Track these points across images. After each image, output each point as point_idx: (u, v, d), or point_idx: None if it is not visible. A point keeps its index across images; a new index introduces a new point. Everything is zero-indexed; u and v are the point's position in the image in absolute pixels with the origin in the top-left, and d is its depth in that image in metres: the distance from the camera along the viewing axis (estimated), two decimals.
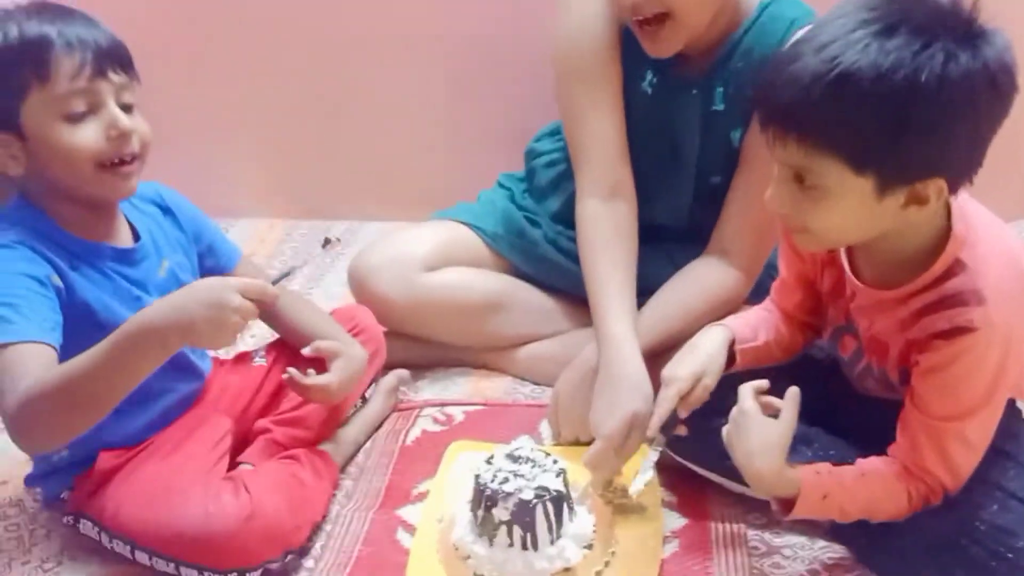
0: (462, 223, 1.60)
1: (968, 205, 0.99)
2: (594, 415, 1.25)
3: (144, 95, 1.16)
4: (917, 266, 0.98)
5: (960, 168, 0.93)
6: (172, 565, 1.11)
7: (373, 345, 1.38)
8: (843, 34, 0.89)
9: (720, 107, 1.37)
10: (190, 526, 1.08)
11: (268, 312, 1.33)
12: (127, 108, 1.12)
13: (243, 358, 1.38)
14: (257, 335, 1.64)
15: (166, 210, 1.26)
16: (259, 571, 1.11)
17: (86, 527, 1.19)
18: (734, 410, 1.04)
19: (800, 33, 1.00)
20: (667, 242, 1.47)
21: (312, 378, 1.22)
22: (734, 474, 1.14)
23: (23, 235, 1.08)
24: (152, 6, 1.98)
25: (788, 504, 1.02)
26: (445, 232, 1.59)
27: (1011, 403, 1.11)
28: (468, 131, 1.91)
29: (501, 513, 1.08)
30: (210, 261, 1.30)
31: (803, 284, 1.18)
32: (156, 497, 1.12)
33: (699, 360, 1.13)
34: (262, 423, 1.30)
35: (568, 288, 1.52)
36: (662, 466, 1.22)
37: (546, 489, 1.09)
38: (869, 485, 1.03)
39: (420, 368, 1.53)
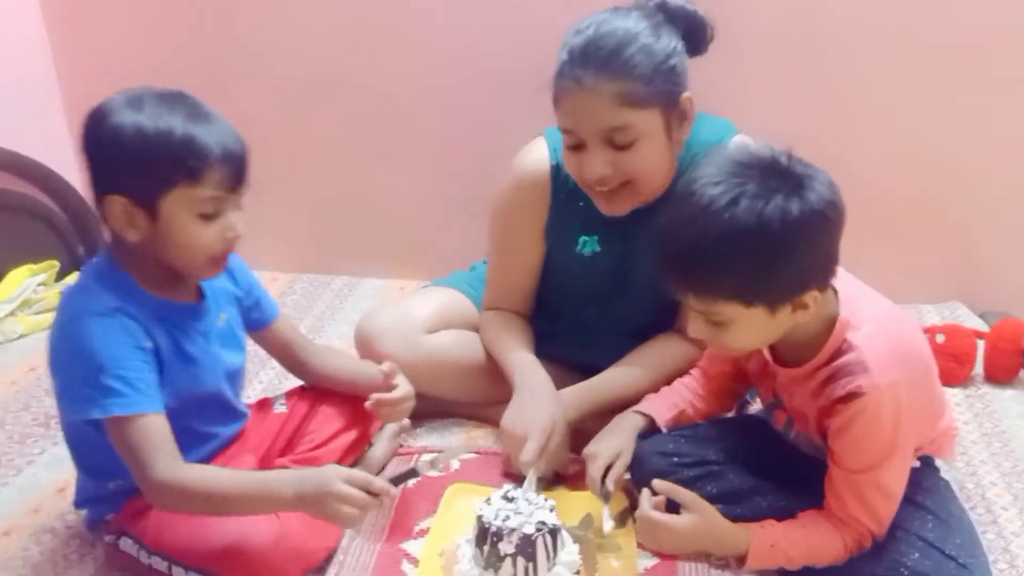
0: (456, 291, 1.79)
1: (855, 292, 1.24)
2: (518, 425, 1.47)
3: None
4: (816, 347, 1.21)
5: (822, 277, 1.18)
6: None
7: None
8: (701, 209, 1.13)
9: None
10: (226, 543, 1.22)
11: (297, 365, 1.52)
12: (238, 207, 1.25)
13: (264, 404, 1.53)
14: (264, 382, 1.80)
15: (227, 268, 1.39)
16: None
17: (126, 544, 1.31)
18: (638, 514, 1.29)
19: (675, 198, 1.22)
20: (655, 326, 1.64)
21: (392, 393, 1.44)
22: None
23: (118, 300, 1.21)
24: (155, 57, 2.16)
25: (742, 556, 1.24)
26: (443, 298, 1.77)
27: (928, 459, 1.32)
28: (465, 202, 2.09)
29: (506, 547, 1.24)
30: (255, 314, 1.45)
31: (731, 361, 1.42)
32: (194, 517, 1.25)
33: (617, 441, 1.40)
34: (281, 461, 1.45)
35: (548, 353, 1.68)
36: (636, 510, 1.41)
37: (544, 523, 1.26)
38: (809, 535, 1.23)
39: (419, 419, 1.68)
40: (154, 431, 1.19)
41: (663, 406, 1.45)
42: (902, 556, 1.20)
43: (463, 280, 1.83)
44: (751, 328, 1.18)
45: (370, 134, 2.20)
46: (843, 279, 1.22)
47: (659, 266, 1.19)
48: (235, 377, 1.40)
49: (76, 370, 1.19)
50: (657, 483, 1.26)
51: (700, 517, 1.25)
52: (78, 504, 1.38)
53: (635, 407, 1.46)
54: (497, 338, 1.66)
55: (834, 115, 2.01)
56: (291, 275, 2.31)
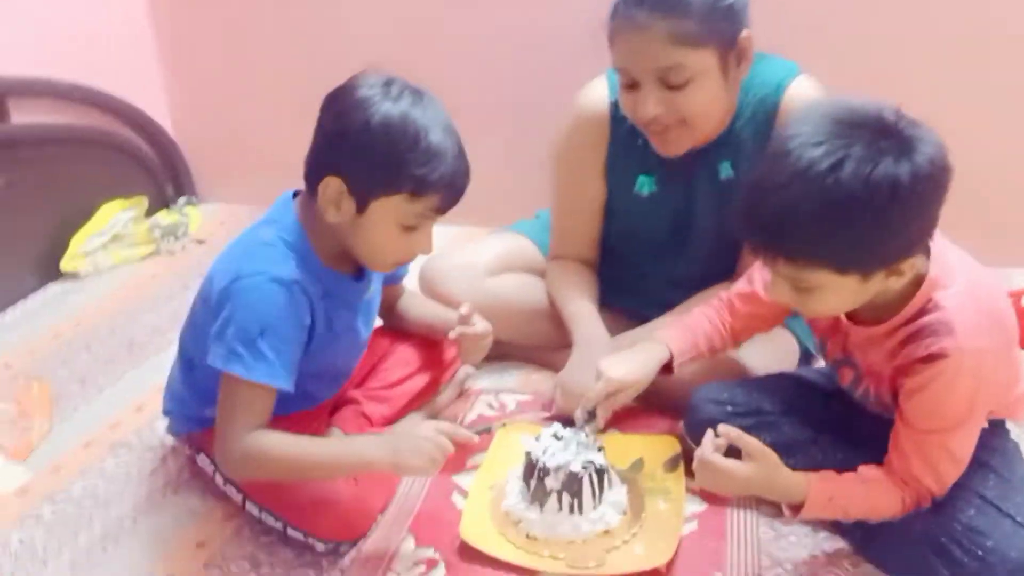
0: (523, 235, 1.80)
1: (948, 251, 1.16)
2: (575, 383, 1.46)
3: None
4: (899, 305, 1.14)
5: (923, 242, 1.10)
6: (280, 524, 1.28)
7: (454, 349, 1.56)
8: (799, 172, 1.04)
9: (730, 174, 1.51)
10: (306, 500, 1.25)
11: (392, 315, 1.55)
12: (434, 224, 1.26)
13: None
14: None
15: None
16: (353, 545, 1.28)
17: (204, 461, 1.36)
18: (697, 455, 1.19)
19: (771, 151, 1.11)
20: (718, 279, 1.60)
21: (474, 328, 1.44)
22: None
23: (299, 269, 1.21)
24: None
25: (798, 506, 1.18)
26: (506, 243, 1.79)
27: (1000, 423, 1.27)
28: (533, 147, 2.08)
29: (552, 483, 1.26)
30: (388, 279, 1.46)
31: (770, 305, 1.35)
32: None
33: (634, 373, 1.33)
34: (353, 394, 1.49)
35: (608, 302, 1.68)
36: (689, 458, 1.39)
37: (591, 462, 1.27)
38: (869, 490, 1.18)
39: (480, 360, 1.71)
40: (263, 405, 1.19)
41: (685, 344, 1.38)
42: (957, 511, 1.16)
43: (527, 227, 1.83)
44: (840, 294, 1.11)
45: (441, 81, 2.20)
46: (938, 235, 1.15)
47: (747, 229, 1.11)
48: (363, 347, 1.42)
49: (239, 326, 1.17)
50: (723, 428, 1.19)
51: (763, 466, 1.18)
52: (167, 411, 1.42)
53: (659, 336, 1.40)
54: (559, 287, 1.66)
55: (919, 70, 1.92)
56: None
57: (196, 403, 1.36)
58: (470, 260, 1.71)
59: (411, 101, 1.18)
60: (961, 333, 1.10)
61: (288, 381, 1.20)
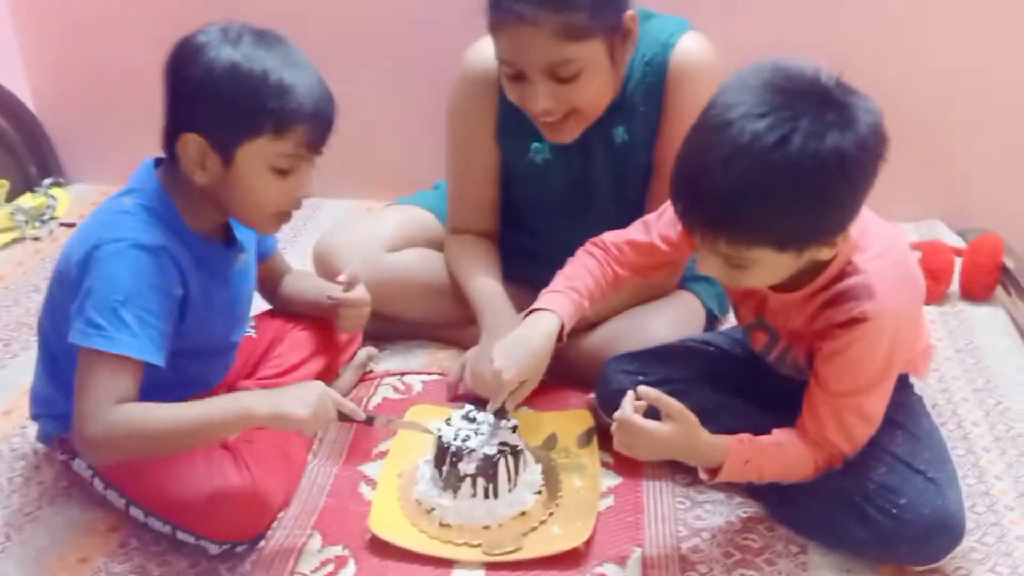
0: (421, 208, 1.73)
1: (863, 212, 1.13)
2: (486, 371, 1.32)
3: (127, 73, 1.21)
4: (818, 270, 1.11)
5: (858, 212, 1.07)
6: (169, 527, 1.19)
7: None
8: (742, 147, 0.99)
9: (625, 138, 1.48)
10: (195, 498, 1.16)
11: (273, 294, 1.48)
12: (312, 166, 1.19)
13: None
14: None
15: None
16: (252, 546, 1.19)
17: (80, 467, 1.25)
18: (617, 416, 1.13)
19: (707, 116, 1.05)
20: None
21: (350, 294, 1.39)
22: None
23: (165, 237, 1.14)
24: None
25: (714, 469, 1.16)
26: (405, 216, 1.71)
27: (904, 378, 1.27)
28: (431, 120, 2.01)
29: (466, 467, 1.20)
30: (261, 246, 1.39)
31: (662, 258, 1.32)
32: (158, 461, 1.17)
33: (529, 363, 1.23)
34: (246, 384, 1.39)
35: (514, 272, 1.62)
36: (602, 431, 1.37)
37: (506, 443, 1.22)
38: (783, 452, 1.17)
39: (382, 341, 1.64)
40: (128, 379, 1.09)
41: (571, 308, 1.29)
42: (868, 470, 1.16)
43: (427, 198, 1.76)
44: (773, 269, 1.08)
45: (333, 52, 2.09)
46: None
47: (686, 208, 1.06)
48: (243, 320, 1.34)
49: (98, 296, 1.09)
50: (643, 389, 1.15)
51: (682, 427, 1.14)
52: (35, 416, 1.32)
53: (544, 304, 1.29)
54: (460, 264, 1.59)
55: (807, 23, 1.92)
56: None
57: (64, 401, 1.23)
58: (367, 235, 1.63)
59: (253, 41, 1.13)
60: (881, 296, 1.09)
61: (156, 354, 1.11)
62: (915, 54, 1.92)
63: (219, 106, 1.11)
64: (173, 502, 1.18)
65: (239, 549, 1.19)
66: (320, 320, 1.47)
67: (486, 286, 1.54)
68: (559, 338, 1.27)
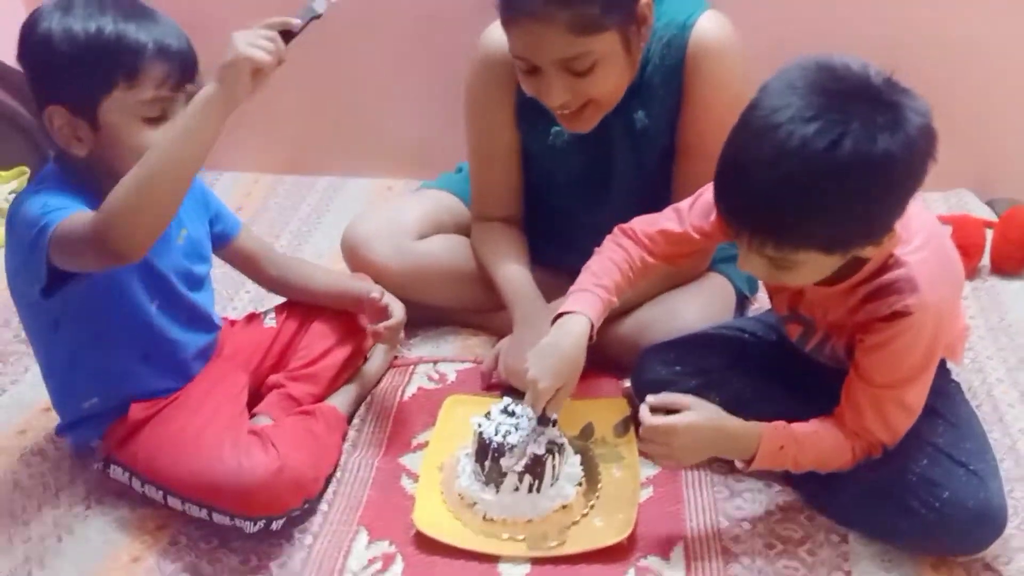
0: (447, 192, 1.72)
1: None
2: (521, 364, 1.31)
3: None
4: (860, 262, 1.10)
5: (903, 213, 1.05)
6: (205, 511, 1.22)
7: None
8: (792, 151, 0.97)
9: (645, 123, 1.46)
10: (225, 478, 1.19)
11: (265, 278, 1.46)
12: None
13: (253, 318, 1.49)
14: (252, 291, 1.74)
15: None
16: (283, 519, 1.21)
17: (116, 472, 1.28)
18: (642, 431, 1.16)
19: (751, 113, 1.04)
20: None
21: (390, 321, 1.38)
22: None
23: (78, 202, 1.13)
24: None
25: (750, 458, 1.17)
26: (432, 202, 1.70)
27: (942, 364, 1.27)
28: (451, 97, 1.99)
29: (509, 462, 1.22)
30: (218, 227, 1.39)
31: (696, 246, 1.31)
32: (188, 448, 1.23)
33: (563, 370, 1.21)
34: (275, 378, 1.41)
35: (537, 257, 1.62)
36: (637, 419, 1.38)
37: (554, 443, 1.23)
38: (820, 440, 1.17)
39: (412, 328, 1.63)
40: (77, 211, 1.10)
41: (600, 307, 1.27)
42: (911, 462, 1.17)
43: (452, 182, 1.75)
44: (818, 269, 1.08)
45: (353, 28, 2.07)
46: None
47: (734, 212, 1.06)
48: (199, 285, 1.33)
49: (27, 240, 1.10)
50: (651, 399, 1.16)
51: (703, 411, 1.16)
52: (60, 431, 1.34)
53: (572, 305, 1.27)
54: (487, 253, 1.59)
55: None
56: (273, 176, 2.22)
57: (69, 404, 1.29)
58: (394, 223, 1.62)
59: (87, 3, 1.13)
60: (924, 289, 1.09)
61: (79, 206, 1.12)
62: (940, 22, 1.89)
63: (65, 70, 1.11)
64: (205, 485, 1.20)
65: (274, 526, 1.21)
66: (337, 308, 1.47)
67: (515, 275, 1.54)
68: (589, 338, 1.27)
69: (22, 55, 1.15)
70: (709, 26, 1.40)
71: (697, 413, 1.15)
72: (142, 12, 1.14)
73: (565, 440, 1.27)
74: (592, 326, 1.27)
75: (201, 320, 1.35)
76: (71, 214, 1.10)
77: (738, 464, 1.20)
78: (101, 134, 1.14)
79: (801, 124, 0.98)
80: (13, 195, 2.06)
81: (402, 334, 1.57)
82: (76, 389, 1.25)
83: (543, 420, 1.25)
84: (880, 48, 1.85)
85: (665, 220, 1.33)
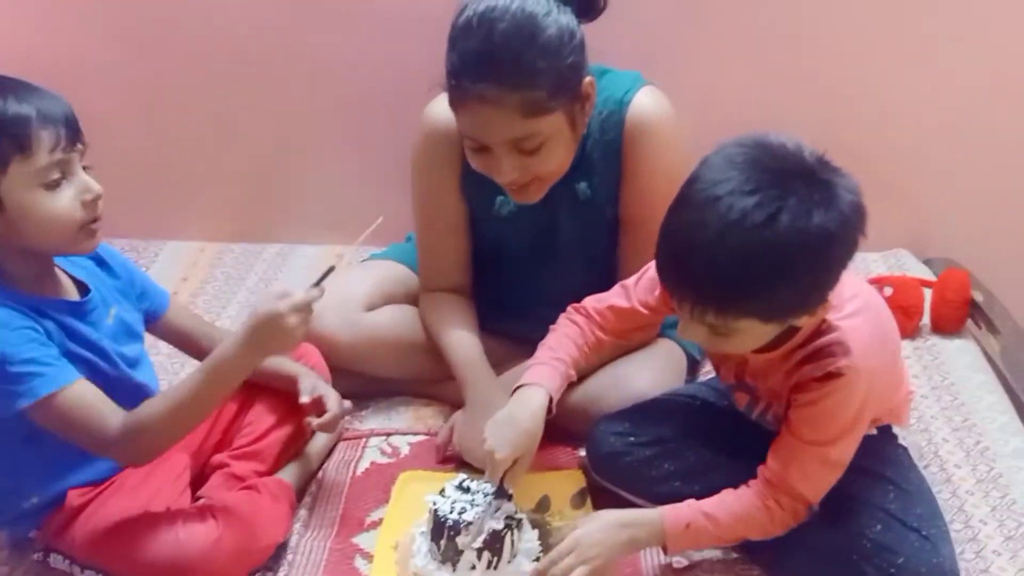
0: (396, 262, 1.72)
1: None
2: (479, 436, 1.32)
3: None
4: (794, 330, 1.14)
5: (836, 284, 1.10)
6: None
7: (324, 378, 1.46)
8: (731, 224, 1.01)
9: (588, 194, 1.50)
10: (163, 552, 1.17)
11: (202, 356, 1.41)
12: (86, 170, 1.18)
13: None
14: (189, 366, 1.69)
15: (100, 262, 1.31)
16: None
17: (56, 560, 1.25)
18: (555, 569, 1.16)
19: (691, 189, 1.08)
20: (589, 291, 1.57)
21: (325, 417, 1.36)
22: (658, 498, 1.31)
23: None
24: (91, 33, 2.03)
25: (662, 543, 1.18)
26: (381, 272, 1.70)
27: (887, 430, 1.30)
28: (400, 164, 2.01)
29: (465, 540, 1.20)
30: (144, 304, 1.36)
31: (646, 321, 1.34)
32: (128, 530, 1.20)
33: (522, 440, 1.23)
34: (219, 458, 1.38)
35: (486, 326, 1.62)
36: (595, 490, 1.38)
37: (511, 518, 1.21)
38: (729, 507, 1.18)
39: (363, 399, 1.62)
40: (87, 395, 1.15)
41: (557, 381, 1.30)
42: (864, 528, 1.19)
43: (401, 252, 1.75)
44: (756, 337, 1.11)
45: (302, 94, 2.08)
46: None
47: (675, 282, 1.09)
48: (139, 362, 1.31)
49: None
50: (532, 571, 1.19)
51: (599, 515, 1.20)
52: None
53: (531, 379, 1.29)
54: (434, 323, 1.58)
55: (762, 62, 1.95)
56: (220, 244, 2.18)
57: (10, 502, 1.24)
58: (344, 295, 1.60)
59: None
60: (856, 353, 1.12)
61: (70, 372, 1.15)
62: (873, 89, 1.96)
63: None
64: (146, 562, 1.19)
65: None
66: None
67: (465, 347, 1.53)
68: (548, 411, 1.28)
69: None
70: (645, 102, 1.45)
71: (593, 517, 1.20)
72: (16, 87, 1.14)
73: (524, 515, 1.25)
74: (551, 399, 1.27)
75: (141, 400, 1.30)
76: (71, 387, 1.13)
77: (663, 552, 1.21)
78: (8, 213, 1.13)
79: (741, 197, 1.02)
80: None
81: (349, 405, 1.56)
82: (16, 490, 1.22)
83: (501, 492, 1.24)
84: (816, 115, 1.95)
85: (614, 297, 1.35)
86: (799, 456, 1.16)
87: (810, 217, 1.01)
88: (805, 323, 1.12)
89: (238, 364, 1.17)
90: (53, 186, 1.13)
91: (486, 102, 1.29)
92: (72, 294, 1.24)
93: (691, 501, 1.20)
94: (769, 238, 1.01)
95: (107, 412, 1.15)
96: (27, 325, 1.14)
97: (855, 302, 1.16)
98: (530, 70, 1.28)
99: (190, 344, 1.42)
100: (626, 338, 1.39)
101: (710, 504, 1.19)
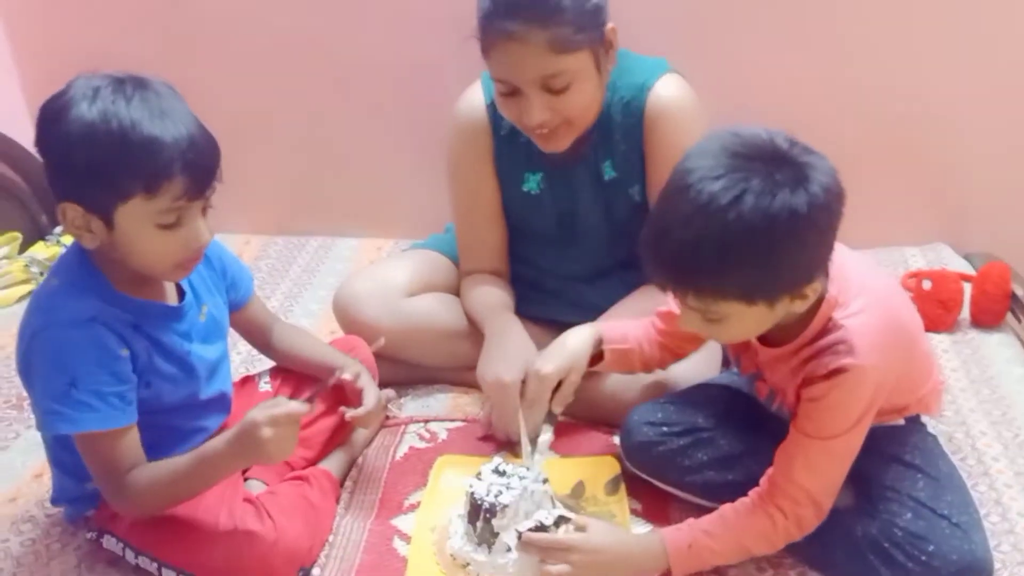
0: (437, 252, 1.75)
1: (845, 266, 1.18)
2: (490, 372, 1.45)
3: None
4: (801, 326, 1.17)
5: (822, 266, 1.13)
6: None
7: (371, 372, 1.49)
8: (700, 207, 1.05)
9: (612, 174, 1.56)
10: (220, 550, 1.19)
11: (265, 346, 1.46)
12: (205, 210, 1.16)
13: (248, 381, 1.49)
14: (243, 353, 1.75)
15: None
16: None
17: (110, 543, 1.28)
18: (544, 541, 1.19)
19: (672, 180, 1.12)
20: (619, 274, 1.63)
21: (358, 411, 1.37)
22: (691, 488, 1.33)
23: (95, 307, 1.15)
24: (131, 28, 2.10)
25: (666, 568, 1.19)
26: (422, 261, 1.74)
27: (916, 419, 1.31)
28: (438, 157, 2.05)
29: (500, 522, 1.23)
30: (232, 294, 1.38)
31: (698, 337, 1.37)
32: (183, 518, 1.22)
33: (565, 358, 1.33)
34: None
35: (531, 312, 1.66)
36: (629, 478, 1.39)
37: (563, 517, 1.22)
38: (728, 520, 1.19)
39: (403, 385, 1.66)
40: (125, 446, 1.16)
41: (616, 334, 1.39)
42: (895, 517, 1.19)
43: (441, 242, 1.79)
44: (748, 322, 1.14)
45: (341, 91, 2.13)
46: (835, 251, 1.17)
47: (654, 265, 1.13)
48: (218, 367, 1.34)
49: (48, 384, 1.14)
50: (527, 537, 1.20)
51: (601, 534, 1.20)
52: (55, 501, 1.34)
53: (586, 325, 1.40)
54: (474, 301, 1.64)
55: (792, 51, 1.94)
56: (264, 237, 2.25)
57: (71, 482, 1.28)
58: (385, 282, 1.65)
59: (112, 95, 1.07)
60: (861, 351, 1.13)
61: (123, 418, 1.16)
62: (918, 80, 1.95)
63: (83, 173, 1.08)
64: (201, 558, 1.21)
65: None
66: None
67: (489, 296, 1.61)
68: (600, 355, 1.35)
69: (40, 144, 1.12)
70: (666, 90, 1.50)
71: (596, 535, 1.19)
72: (170, 112, 1.10)
73: (567, 511, 1.26)
74: (601, 339, 1.35)
75: (217, 403, 1.35)
76: (114, 431, 1.15)
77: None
78: (115, 235, 1.12)
79: (709, 182, 1.06)
80: (5, 260, 2.08)
81: (392, 393, 1.60)
82: (78, 471, 1.23)
83: (549, 416, 1.30)
84: (850, 109, 1.95)
85: (664, 304, 1.39)
86: (804, 451, 1.17)
87: (773, 197, 1.04)
88: (799, 309, 1.14)
89: (221, 464, 1.16)
90: (165, 228, 1.11)
91: (516, 39, 1.35)
92: (172, 297, 1.25)
93: (691, 520, 1.21)
94: (733, 219, 1.04)
95: (126, 465, 1.16)
96: (114, 355, 1.14)
97: (861, 300, 1.17)
98: (555, 6, 1.34)
99: (261, 336, 1.45)
100: (675, 342, 1.41)
101: (710, 521, 1.20)
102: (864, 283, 1.19)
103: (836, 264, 1.16)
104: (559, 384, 1.35)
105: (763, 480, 1.21)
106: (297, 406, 1.16)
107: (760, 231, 1.05)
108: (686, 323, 1.17)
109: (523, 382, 1.40)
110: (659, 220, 1.12)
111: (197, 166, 1.10)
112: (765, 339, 1.23)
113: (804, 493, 1.17)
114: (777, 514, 1.18)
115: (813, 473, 1.17)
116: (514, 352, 1.47)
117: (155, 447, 1.20)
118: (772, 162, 1.07)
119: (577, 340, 1.36)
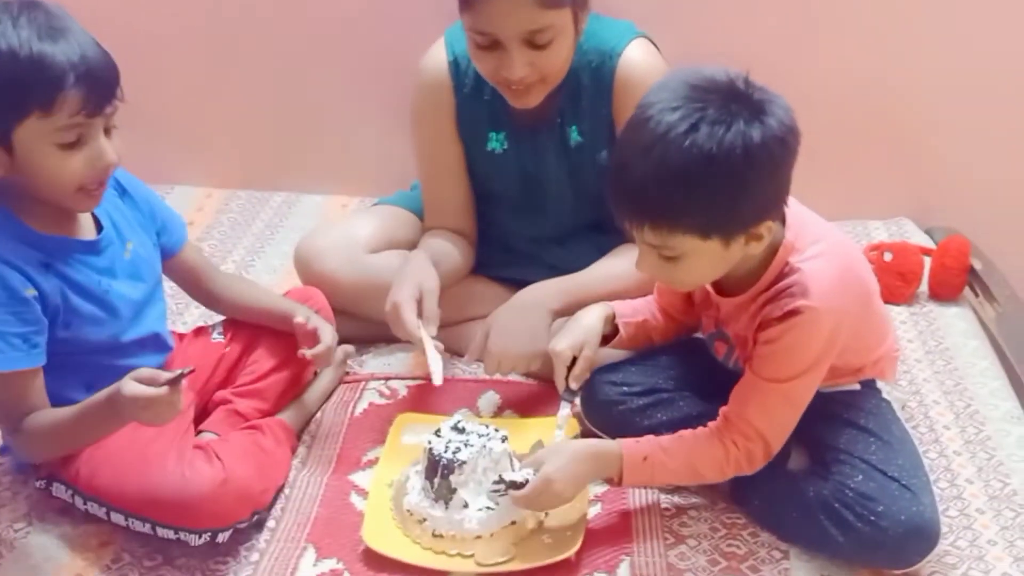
0: (402, 208, 1.73)
1: (801, 215, 1.21)
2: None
3: None
4: (759, 273, 1.20)
5: (778, 206, 1.16)
6: (148, 525, 1.21)
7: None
8: (658, 137, 1.08)
9: (579, 139, 1.55)
10: (168, 490, 1.18)
11: (208, 297, 1.45)
12: (108, 131, 1.15)
13: (201, 332, 1.47)
14: (204, 309, 1.72)
15: (123, 192, 1.32)
16: (229, 531, 1.21)
17: (59, 490, 1.26)
18: (522, 500, 1.20)
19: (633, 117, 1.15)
20: (586, 236, 1.64)
21: (318, 348, 1.36)
22: None
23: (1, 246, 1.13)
24: None
25: (618, 473, 1.22)
26: (386, 217, 1.72)
27: (871, 383, 1.32)
28: (402, 115, 2.02)
29: (458, 479, 1.23)
30: (163, 238, 1.37)
31: (681, 295, 1.39)
32: (132, 463, 1.21)
33: (578, 335, 1.34)
34: (222, 394, 1.40)
35: (501, 274, 1.67)
36: (587, 437, 1.40)
37: (516, 482, 1.21)
38: (684, 443, 1.22)
39: (364, 343, 1.65)
40: (26, 389, 1.16)
41: (627, 308, 1.41)
42: (846, 478, 1.21)
43: (407, 199, 1.77)
44: (704, 262, 1.16)
45: (309, 45, 2.09)
46: (794, 204, 1.21)
47: (614, 196, 1.15)
48: (145, 307, 1.31)
49: None
50: (515, 498, 1.21)
51: (558, 455, 1.21)
52: (1, 451, 1.33)
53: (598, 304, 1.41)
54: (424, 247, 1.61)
55: (763, 18, 1.94)
56: (227, 191, 2.20)
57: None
58: (348, 237, 1.64)
59: (2, 17, 1.08)
60: (815, 293, 1.16)
61: (29, 359, 1.16)
62: (885, 55, 1.95)
63: None
64: (148, 499, 1.20)
65: (220, 539, 1.20)
66: None
67: (421, 248, 1.58)
68: (615, 329, 1.37)
69: None
70: (636, 56, 1.50)
71: (555, 458, 1.20)
72: (61, 30, 1.09)
73: (524, 476, 1.24)
74: (614, 314, 1.37)
75: (155, 344, 1.33)
76: (17, 372, 1.15)
77: (608, 483, 1.25)
78: (16, 159, 1.11)
79: (667, 112, 1.09)
80: None
81: (351, 349, 1.58)
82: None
83: (568, 392, 1.32)
84: (819, 81, 1.95)
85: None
86: (759, 393, 1.20)
87: (728, 128, 1.06)
88: (755, 251, 1.15)
89: (101, 422, 1.16)
90: (66, 147, 1.10)
91: None
92: (89, 231, 1.23)
93: (650, 437, 1.24)
94: (687, 147, 1.07)
95: (25, 408, 1.17)
96: (17, 296, 1.13)
97: (818, 246, 1.20)
98: None
99: (197, 285, 1.44)
100: (670, 317, 1.42)
101: (668, 439, 1.23)
102: (820, 232, 1.22)
103: (793, 212, 1.19)
104: (573, 361, 1.34)
105: (720, 413, 1.23)
106: (155, 391, 1.10)
107: (715, 159, 1.07)
108: (644, 265, 1.18)
109: (418, 302, 1.43)
110: (620, 153, 1.14)
111: (92, 79, 1.09)
112: (724, 289, 1.25)
113: (755, 431, 1.20)
114: (731, 446, 1.21)
115: (767, 416, 1.20)
116: (408, 276, 1.46)
117: (87, 386, 1.19)
118: (730, 95, 1.09)
119: (590, 317, 1.36)
